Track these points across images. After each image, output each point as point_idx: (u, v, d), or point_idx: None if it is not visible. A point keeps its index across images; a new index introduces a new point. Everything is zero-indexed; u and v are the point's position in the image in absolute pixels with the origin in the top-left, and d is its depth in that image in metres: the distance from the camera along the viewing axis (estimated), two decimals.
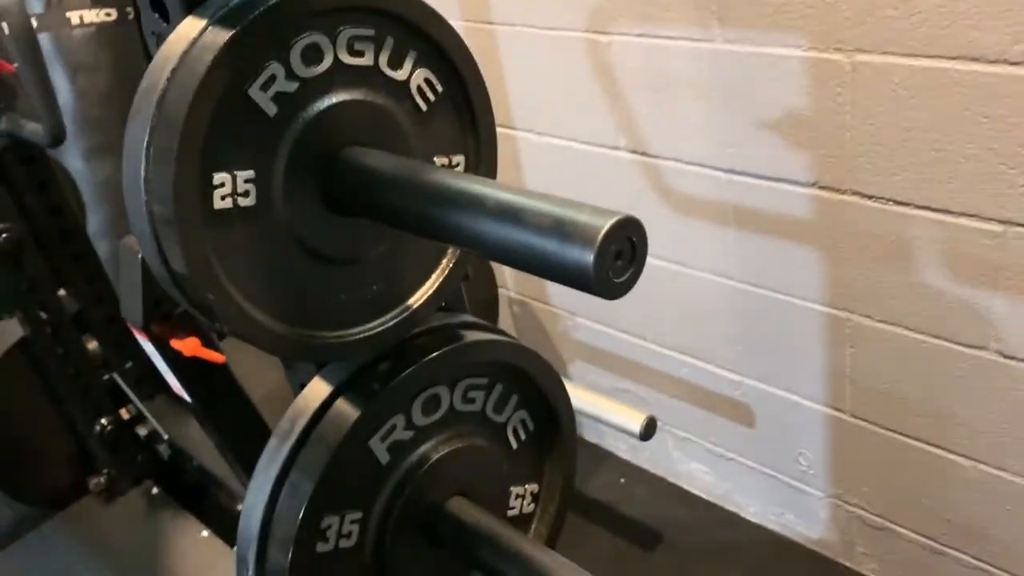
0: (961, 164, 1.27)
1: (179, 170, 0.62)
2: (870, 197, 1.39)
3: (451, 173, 0.69)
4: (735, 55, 1.47)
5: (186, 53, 0.63)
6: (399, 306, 0.80)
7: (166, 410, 2.17)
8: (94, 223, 2.36)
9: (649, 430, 1.67)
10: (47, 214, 1.98)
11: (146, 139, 0.64)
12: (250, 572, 0.82)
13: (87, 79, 2.58)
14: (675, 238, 1.76)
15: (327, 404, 0.82)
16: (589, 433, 2.29)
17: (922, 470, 1.56)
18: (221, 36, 0.62)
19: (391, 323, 0.79)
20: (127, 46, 2.89)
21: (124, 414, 2.19)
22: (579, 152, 1.85)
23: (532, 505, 1.05)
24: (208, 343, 1.52)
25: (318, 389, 0.83)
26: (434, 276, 0.82)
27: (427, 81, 0.75)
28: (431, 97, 0.76)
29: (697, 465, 2.06)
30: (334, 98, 0.69)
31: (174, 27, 0.67)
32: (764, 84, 1.45)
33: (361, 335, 0.78)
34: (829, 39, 1.33)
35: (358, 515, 0.85)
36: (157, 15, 0.71)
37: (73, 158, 2.39)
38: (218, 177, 0.65)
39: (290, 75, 0.67)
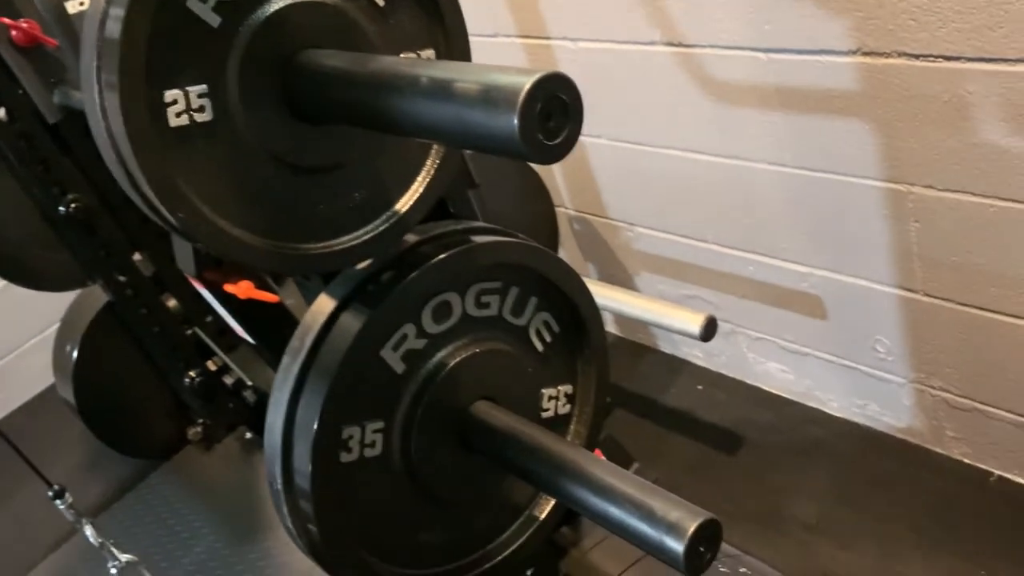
0: (1012, 4, 1.16)
1: (124, 90, 0.62)
2: (917, 57, 1.29)
3: (396, 60, 0.67)
4: None
5: None
6: (386, 211, 0.79)
7: (248, 357, 2.25)
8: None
9: (709, 330, 1.63)
10: (112, 181, 2.05)
11: (95, 64, 0.64)
12: (278, 485, 0.84)
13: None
14: (723, 131, 1.69)
15: (333, 317, 0.83)
16: (663, 343, 2.25)
17: (1004, 343, 1.48)
18: None
19: (380, 229, 0.79)
20: None
21: (211, 365, 2.28)
22: (616, 53, 1.78)
23: (568, 406, 1.03)
24: (262, 284, 1.55)
25: (324, 303, 0.84)
26: (419, 179, 0.80)
27: None
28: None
29: (774, 364, 2.01)
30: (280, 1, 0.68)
31: None
32: None
33: (349, 244, 0.77)
34: None
35: (379, 424, 0.85)
36: None
37: None
38: (169, 95, 0.65)
39: None
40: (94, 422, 2.27)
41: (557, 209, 2.23)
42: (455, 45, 0.78)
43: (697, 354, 2.19)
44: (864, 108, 1.42)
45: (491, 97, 0.51)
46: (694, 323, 1.61)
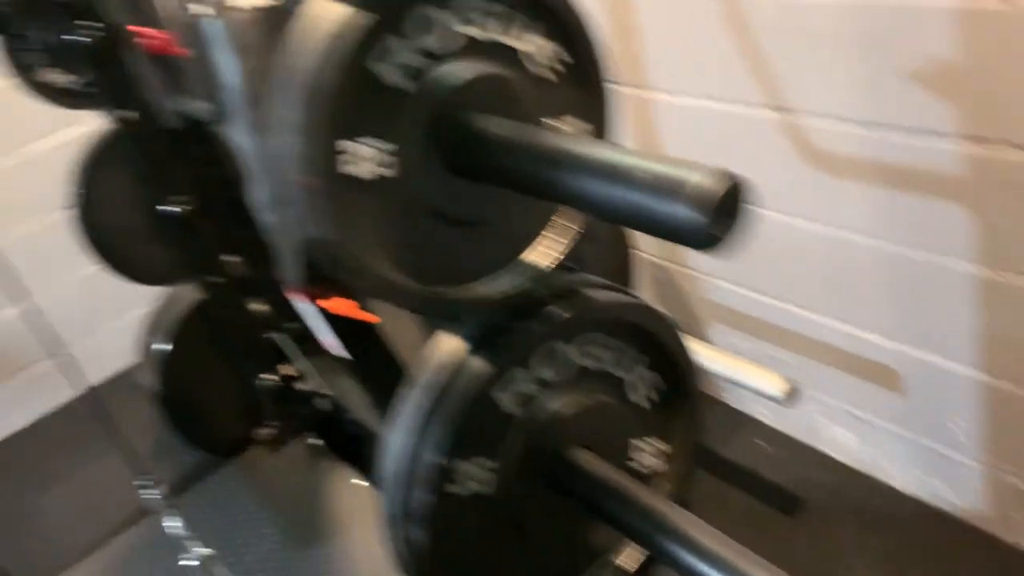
0: None
1: (313, 138, 0.68)
2: (1022, 147, 1.31)
3: (563, 136, 0.72)
4: (877, 6, 1.41)
5: (336, 36, 0.69)
6: (519, 261, 0.85)
7: (324, 367, 2.32)
8: (257, 193, 2.54)
9: (791, 395, 1.65)
10: (219, 187, 2.14)
11: (290, 112, 0.70)
12: (394, 511, 0.89)
13: (252, 59, 2.76)
14: (818, 197, 1.72)
15: (455, 355, 0.88)
16: (729, 396, 2.27)
17: None
18: (357, 16, 0.68)
19: (510, 279, 0.84)
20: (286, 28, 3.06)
21: (287, 371, 2.36)
22: (717, 111, 1.82)
23: (659, 463, 1.07)
24: (363, 304, 1.62)
25: (447, 342, 0.90)
26: (550, 234, 0.86)
27: (549, 51, 0.79)
28: (552, 66, 0.79)
29: (842, 431, 2.01)
30: (464, 72, 0.74)
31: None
32: (909, 35, 1.39)
33: (481, 291, 0.83)
34: None
35: (486, 462, 0.90)
36: None
37: (239, 133, 2.57)
38: (348, 146, 0.71)
39: (422, 54, 0.72)
40: (171, 412, 2.37)
41: (633, 252, 2.27)
42: (600, 115, 0.83)
43: (763, 411, 2.20)
44: (965, 190, 1.44)
45: (676, 191, 0.56)
46: (777, 386, 1.63)
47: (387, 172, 0.73)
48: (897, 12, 1.38)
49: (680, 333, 0.99)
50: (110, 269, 2.20)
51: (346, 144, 0.70)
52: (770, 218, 1.82)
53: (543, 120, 0.80)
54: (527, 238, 0.84)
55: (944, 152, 1.43)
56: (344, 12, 0.68)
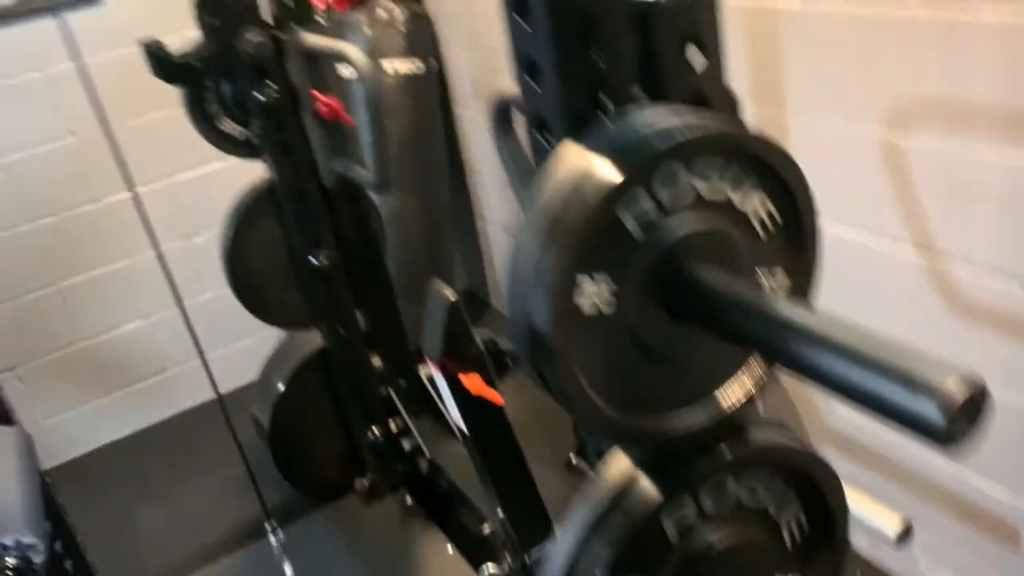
0: None
1: (561, 275, 0.74)
2: None
3: (791, 304, 0.76)
4: None
5: (577, 186, 0.76)
6: (707, 400, 0.88)
7: (429, 428, 2.39)
8: (388, 251, 2.65)
9: (905, 536, 1.63)
10: (360, 244, 2.25)
11: (536, 245, 0.76)
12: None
13: (391, 122, 2.90)
14: (952, 344, 1.71)
15: (625, 478, 0.91)
16: None
17: None
18: (606, 174, 0.74)
19: (697, 414, 0.88)
20: (427, 95, 3.23)
21: (393, 426, 2.44)
22: (856, 241, 1.84)
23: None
24: (491, 383, 1.68)
25: (619, 463, 0.93)
26: (742, 377, 0.89)
27: (767, 211, 0.83)
28: (768, 224, 0.84)
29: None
30: (688, 224, 0.79)
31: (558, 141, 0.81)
32: None
33: (671, 423, 0.87)
34: None
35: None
36: (542, 136, 0.85)
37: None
38: (587, 286, 0.77)
39: (657, 205, 0.77)
40: (276, 450, 2.45)
41: None
42: (806, 271, 0.88)
43: (862, 543, 2.16)
44: None
45: (913, 385, 0.59)
46: (892, 526, 1.61)
47: (605, 306, 0.78)
48: None
49: (841, 484, 1.01)
50: (245, 305, 2.31)
51: (582, 278, 0.76)
52: None
53: (756, 271, 0.84)
54: (721, 378, 0.88)
55: None
56: (604, 163, 0.74)
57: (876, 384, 0.63)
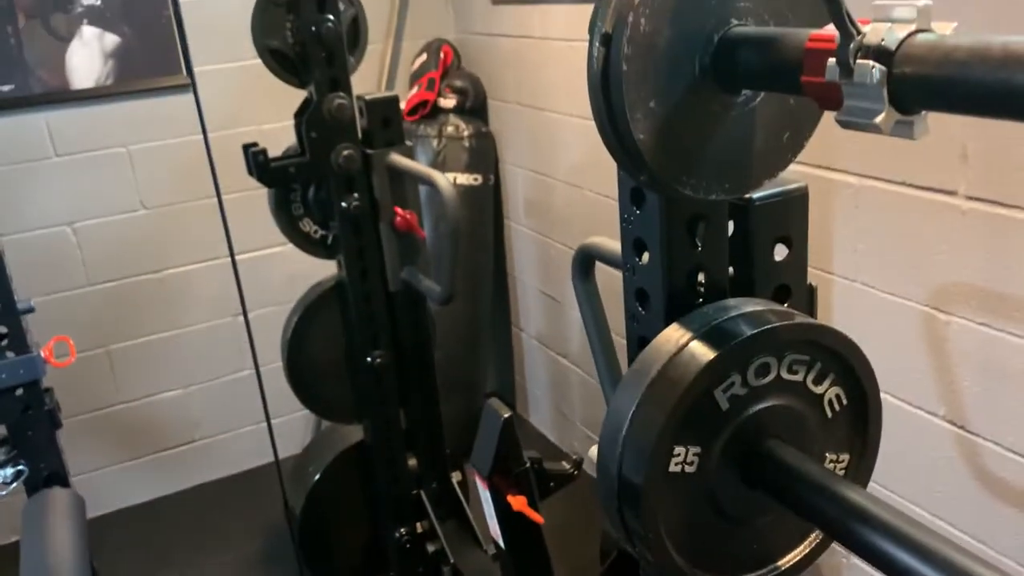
0: None
1: (659, 439, 0.84)
2: None
3: (864, 494, 0.85)
4: None
5: (674, 356, 0.87)
6: (770, 565, 0.97)
7: (455, 534, 2.44)
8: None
9: None
10: (413, 346, 2.36)
11: (633, 409, 0.87)
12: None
13: (450, 225, 3.05)
14: (977, 517, 1.78)
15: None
16: None
17: None
18: (705, 354, 0.85)
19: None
20: (481, 206, 3.39)
21: (419, 527, 2.49)
22: (894, 407, 1.93)
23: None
24: (533, 504, 1.76)
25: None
26: (804, 545, 0.98)
27: (837, 395, 0.94)
28: (837, 408, 0.94)
29: None
30: (770, 402, 0.90)
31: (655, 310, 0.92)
32: None
33: None
34: None
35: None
36: (639, 305, 0.97)
37: None
38: (677, 448, 0.87)
39: (744, 383, 0.88)
40: (304, 535, 2.51)
41: None
42: (866, 457, 0.97)
43: None
44: None
45: None
46: None
47: (689, 466, 0.88)
48: None
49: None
50: (296, 393, 2.41)
51: (679, 448, 0.86)
52: (922, 516, 1.88)
53: (824, 447, 0.94)
54: (787, 547, 0.96)
55: None
56: (710, 353, 0.85)
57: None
